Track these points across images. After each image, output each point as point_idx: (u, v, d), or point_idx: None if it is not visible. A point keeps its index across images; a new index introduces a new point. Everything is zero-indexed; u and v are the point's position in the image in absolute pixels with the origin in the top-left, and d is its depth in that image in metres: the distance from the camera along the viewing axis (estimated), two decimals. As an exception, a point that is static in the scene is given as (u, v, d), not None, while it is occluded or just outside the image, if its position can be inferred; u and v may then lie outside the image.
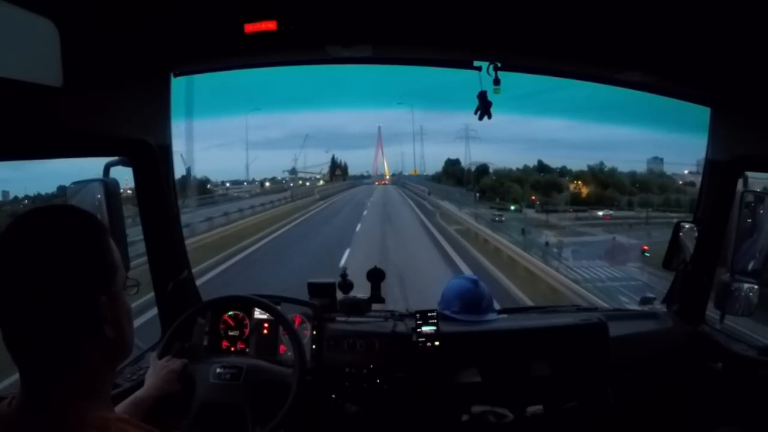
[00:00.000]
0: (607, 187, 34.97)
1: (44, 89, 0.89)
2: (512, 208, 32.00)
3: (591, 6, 1.02)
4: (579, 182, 37.79)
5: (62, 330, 0.55)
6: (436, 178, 52.67)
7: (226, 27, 1.10)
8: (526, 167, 43.61)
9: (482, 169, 45.58)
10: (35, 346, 0.55)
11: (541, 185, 37.93)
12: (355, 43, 1.23)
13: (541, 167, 42.77)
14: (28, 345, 0.55)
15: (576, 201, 33.99)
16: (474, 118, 1.43)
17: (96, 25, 0.99)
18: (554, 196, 35.70)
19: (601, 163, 38.19)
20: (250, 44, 1.17)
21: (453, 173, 49.56)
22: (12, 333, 0.55)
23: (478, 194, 36.11)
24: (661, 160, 35.18)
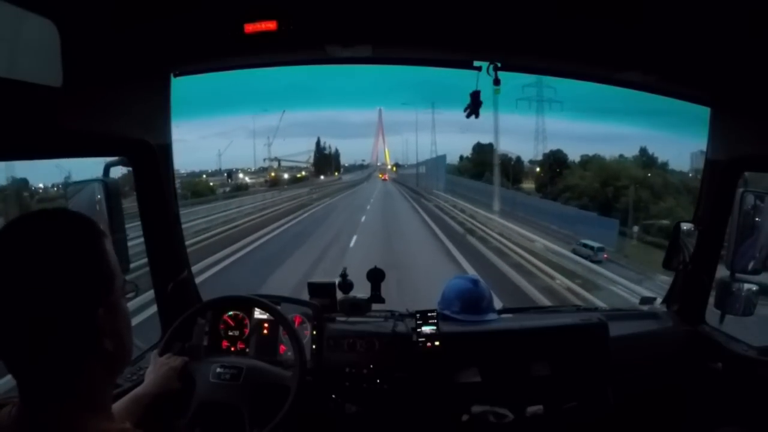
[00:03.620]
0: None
1: (44, 89, 0.89)
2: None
3: (591, 6, 1.02)
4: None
5: (59, 344, 0.54)
6: (459, 171, 33.69)
7: (226, 27, 1.10)
8: (622, 158, 24.23)
9: (558, 159, 26.61)
10: (32, 360, 0.54)
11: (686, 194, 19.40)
12: (354, 43, 1.23)
13: (647, 160, 23.70)
14: (25, 359, 0.54)
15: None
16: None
17: (96, 26, 0.99)
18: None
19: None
20: (250, 44, 1.17)
21: (492, 164, 29.44)
22: (7, 347, 0.53)
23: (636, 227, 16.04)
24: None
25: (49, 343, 0.53)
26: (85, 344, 0.55)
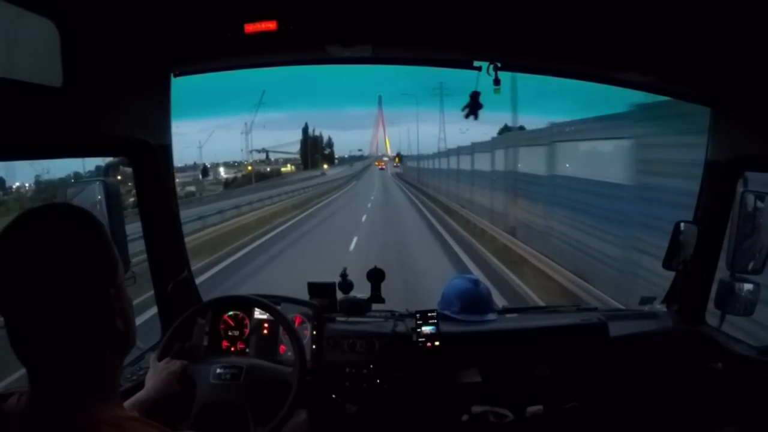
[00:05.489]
0: None
1: (44, 89, 0.89)
2: None
3: (591, 6, 1.02)
4: None
5: (77, 327, 0.55)
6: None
7: (226, 27, 1.10)
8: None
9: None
10: (49, 345, 0.55)
11: None
12: (354, 43, 1.23)
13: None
14: (42, 344, 0.55)
15: None
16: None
17: (96, 26, 0.99)
18: None
19: None
20: (250, 44, 1.17)
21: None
22: (23, 333, 0.54)
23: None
24: None
25: (67, 325, 0.55)
26: (102, 324, 0.58)
